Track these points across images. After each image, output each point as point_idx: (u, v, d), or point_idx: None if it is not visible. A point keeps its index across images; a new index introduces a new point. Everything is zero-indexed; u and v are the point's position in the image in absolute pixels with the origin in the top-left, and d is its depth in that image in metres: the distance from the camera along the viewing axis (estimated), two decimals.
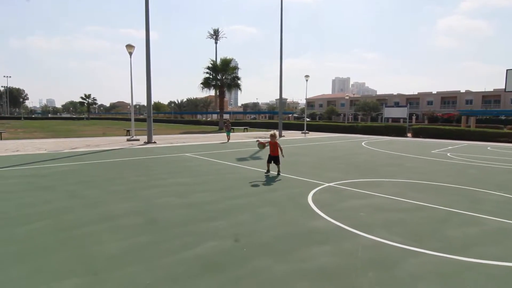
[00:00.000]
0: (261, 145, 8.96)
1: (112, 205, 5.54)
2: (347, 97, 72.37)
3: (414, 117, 67.46)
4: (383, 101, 77.72)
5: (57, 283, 2.98)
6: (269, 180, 8.00)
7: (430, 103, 77.47)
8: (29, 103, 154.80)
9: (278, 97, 28.88)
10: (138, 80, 21.62)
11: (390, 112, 34.52)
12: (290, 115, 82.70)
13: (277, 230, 4.43)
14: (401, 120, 49.79)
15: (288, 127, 37.01)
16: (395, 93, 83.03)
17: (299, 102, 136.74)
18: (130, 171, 8.97)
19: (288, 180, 7.97)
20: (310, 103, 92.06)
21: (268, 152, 8.79)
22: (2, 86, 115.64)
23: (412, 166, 10.87)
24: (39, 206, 5.41)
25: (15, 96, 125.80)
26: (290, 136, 26.71)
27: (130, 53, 19.76)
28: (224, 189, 6.80)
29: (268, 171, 8.78)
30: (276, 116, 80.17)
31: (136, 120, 23.20)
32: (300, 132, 32.16)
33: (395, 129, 30.08)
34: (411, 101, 72.61)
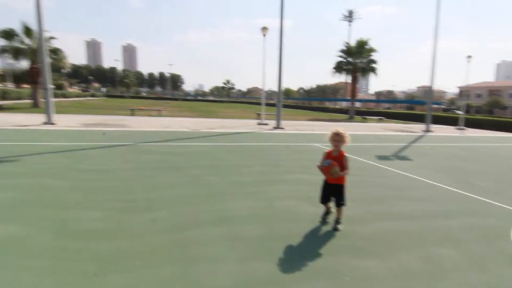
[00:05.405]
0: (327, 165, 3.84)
1: (232, 201, 4.71)
2: None
3: None
4: None
5: None
6: (431, 196, 5.77)
7: None
8: (185, 87, 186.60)
9: (418, 85, 23.88)
10: (271, 66, 21.52)
11: None
12: (437, 105, 70.32)
13: None
14: None
15: (436, 120, 30.73)
16: None
17: (446, 91, 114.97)
18: (256, 159, 8.30)
19: (462, 199, 5.54)
20: (463, 92, 75.89)
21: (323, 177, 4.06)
22: (167, 73, 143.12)
23: None
24: (163, 190, 5.09)
25: (175, 81, 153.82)
26: (441, 132, 21.70)
27: (264, 35, 19.70)
28: (369, 200, 5.09)
29: (327, 213, 4.16)
30: (417, 106, 69.29)
31: (266, 104, 23.42)
32: (454, 127, 26.05)
33: None
34: None
